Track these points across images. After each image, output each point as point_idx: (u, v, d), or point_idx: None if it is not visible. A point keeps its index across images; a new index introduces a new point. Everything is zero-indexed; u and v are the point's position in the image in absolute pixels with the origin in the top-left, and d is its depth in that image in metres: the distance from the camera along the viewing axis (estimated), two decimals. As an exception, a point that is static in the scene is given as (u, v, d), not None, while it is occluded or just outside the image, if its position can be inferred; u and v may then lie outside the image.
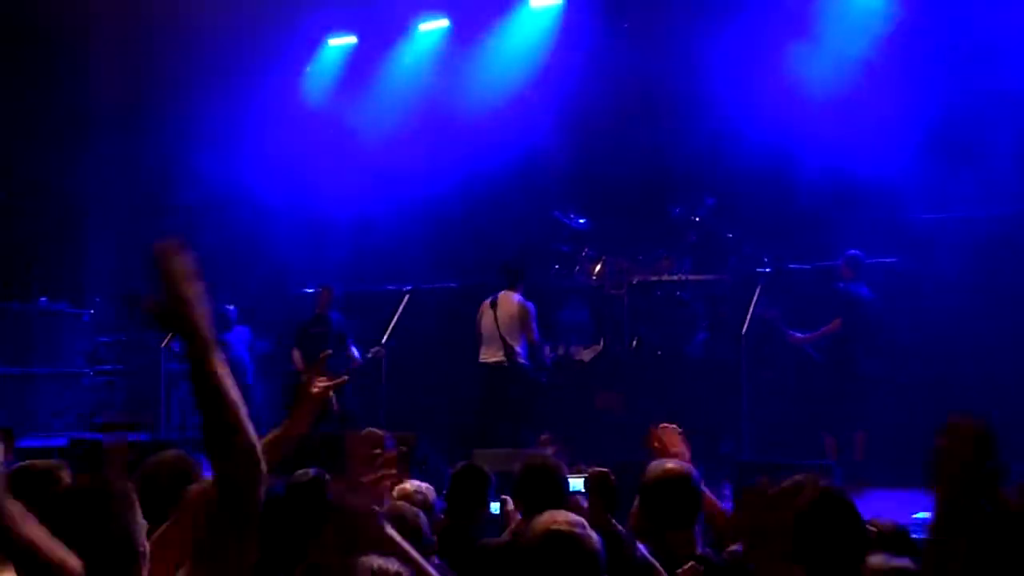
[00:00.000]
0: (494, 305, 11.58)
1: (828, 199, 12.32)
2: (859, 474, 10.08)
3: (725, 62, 12.98)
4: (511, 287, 11.62)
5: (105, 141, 16.83)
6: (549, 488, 5.03)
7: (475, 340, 11.80)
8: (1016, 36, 11.65)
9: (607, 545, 3.44)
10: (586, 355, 12.88)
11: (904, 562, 3.30)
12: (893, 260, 11.58)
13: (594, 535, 3.32)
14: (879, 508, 7.76)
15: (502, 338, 11.43)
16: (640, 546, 4.36)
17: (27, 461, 5.01)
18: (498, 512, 5.86)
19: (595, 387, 12.96)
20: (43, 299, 15.62)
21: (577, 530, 3.29)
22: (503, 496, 5.82)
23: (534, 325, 11.57)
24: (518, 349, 11.48)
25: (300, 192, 16.01)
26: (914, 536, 5.48)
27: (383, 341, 12.03)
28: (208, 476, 3.05)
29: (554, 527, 3.30)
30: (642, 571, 4.31)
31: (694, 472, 4.76)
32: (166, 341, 13.88)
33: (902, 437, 10.97)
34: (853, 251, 11.15)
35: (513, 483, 5.14)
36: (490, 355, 11.56)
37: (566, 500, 4.91)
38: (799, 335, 11.24)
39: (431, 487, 5.60)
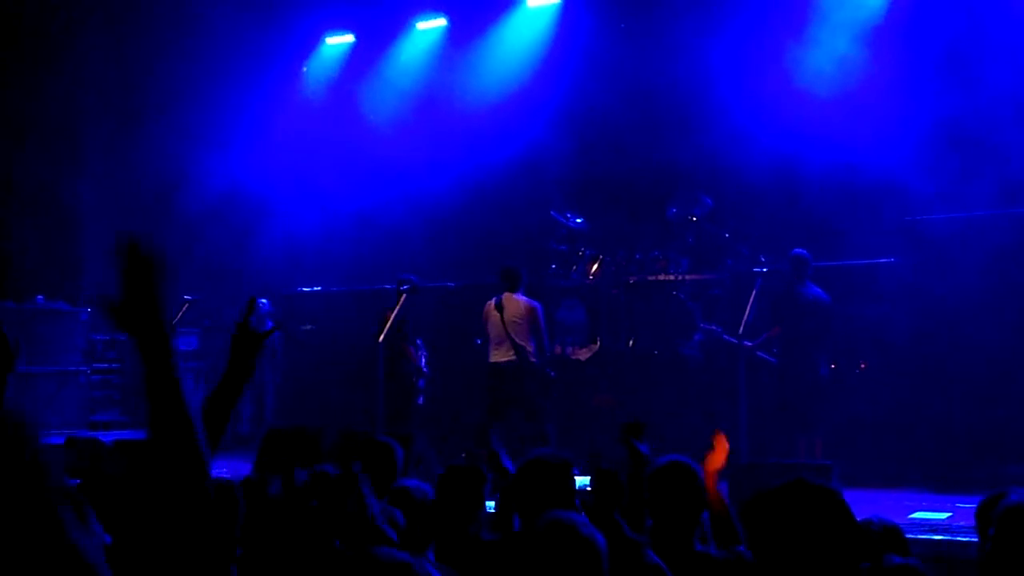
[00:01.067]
0: (499, 308, 11.57)
1: (826, 199, 12.34)
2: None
3: (722, 61, 13.00)
4: (512, 291, 11.63)
5: (101, 139, 16.85)
6: (552, 486, 4.99)
7: (471, 338, 11.81)
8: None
9: (615, 547, 3.44)
10: (583, 354, 12.89)
11: (913, 562, 3.31)
12: (892, 260, 11.58)
13: (597, 534, 3.32)
14: (875, 508, 7.80)
15: (511, 339, 11.45)
16: (649, 550, 4.36)
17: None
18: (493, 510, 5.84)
19: (592, 387, 12.97)
20: (40, 297, 15.63)
21: (580, 529, 3.29)
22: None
23: (543, 324, 11.58)
24: (529, 348, 11.51)
25: (296, 191, 16.03)
26: (908, 536, 5.50)
27: (380, 340, 12.02)
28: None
29: (556, 525, 3.29)
30: (651, 573, 4.32)
31: (699, 470, 4.77)
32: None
33: (897, 437, 11.02)
34: (798, 250, 11.12)
35: (514, 481, 5.10)
36: (500, 355, 11.58)
37: (571, 498, 4.88)
38: (747, 343, 11.15)
39: (427, 487, 5.60)
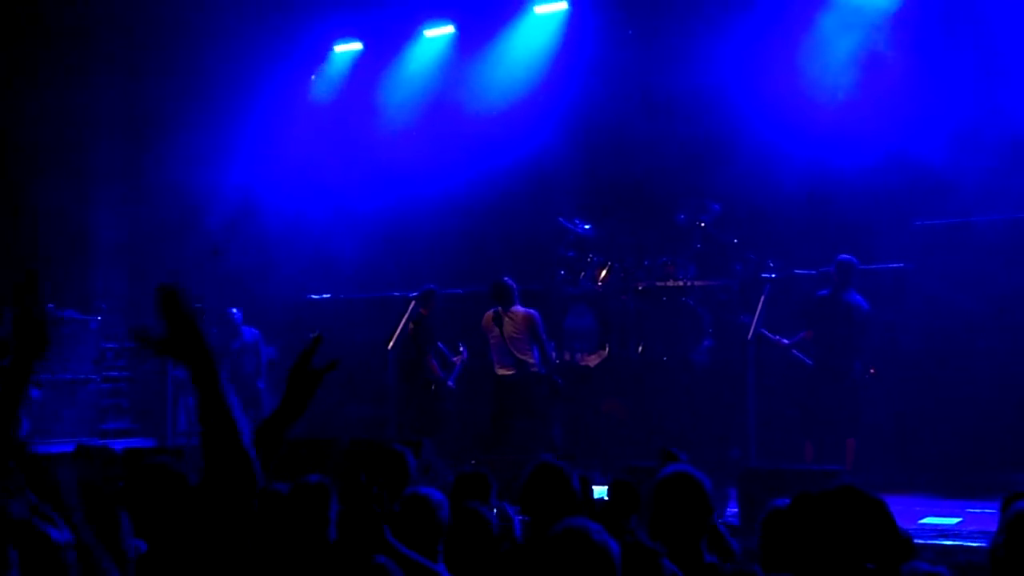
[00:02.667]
0: (498, 321, 11.58)
1: (836, 204, 12.32)
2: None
3: (731, 67, 12.99)
4: (506, 307, 11.62)
5: (112, 149, 16.90)
6: (557, 492, 5.00)
7: (479, 345, 11.81)
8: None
9: (632, 556, 3.42)
10: (591, 361, 12.88)
11: (940, 570, 3.29)
12: (901, 265, 11.56)
13: (611, 541, 3.31)
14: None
15: (512, 353, 11.46)
16: (666, 560, 4.35)
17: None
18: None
19: (600, 393, 12.96)
20: (50, 306, 15.65)
21: (593, 536, 3.28)
22: (500, 502, 5.81)
23: (542, 331, 11.58)
24: (531, 360, 11.50)
25: (305, 199, 16.05)
26: (918, 541, 5.49)
27: (389, 347, 12.04)
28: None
29: (569, 533, 3.29)
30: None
31: (706, 481, 4.75)
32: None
33: (907, 442, 11.00)
34: (845, 256, 11.10)
35: (520, 488, 5.11)
36: (504, 369, 11.60)
37: (575, 504, 4.89)
38: (785, 341, 11.23)
39: (441, 494, 5.59)
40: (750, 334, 10.58)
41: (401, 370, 12.16)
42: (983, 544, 4.00)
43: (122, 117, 16.98)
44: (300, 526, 4.22)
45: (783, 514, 4.21)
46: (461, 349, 12.62)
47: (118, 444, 12.09)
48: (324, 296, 15.58)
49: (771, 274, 12.04)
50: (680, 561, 4.46)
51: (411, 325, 12.21)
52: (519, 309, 11.60)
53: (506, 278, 11.74)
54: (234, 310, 14.86)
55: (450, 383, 12.44)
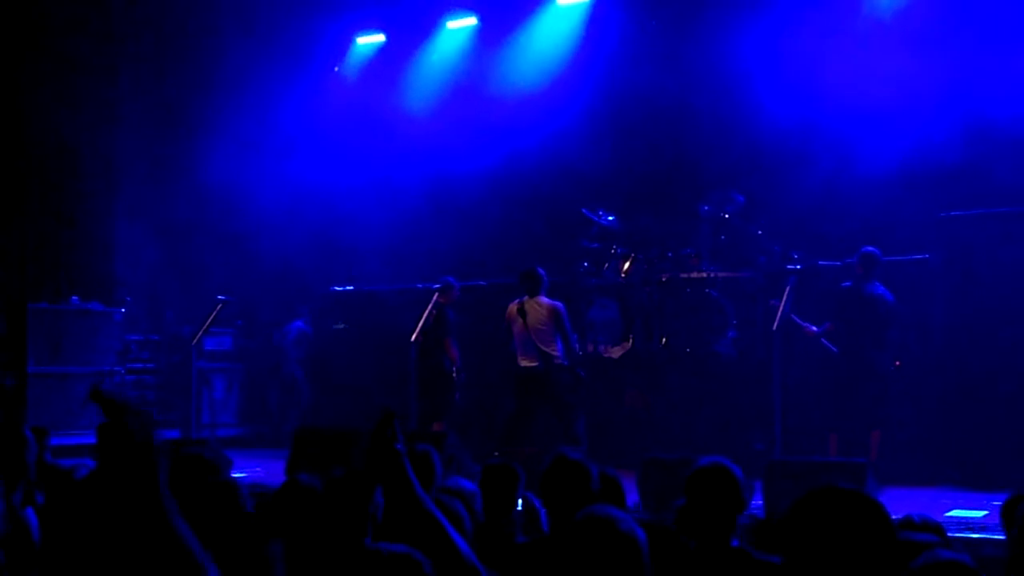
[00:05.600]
0: (522, 312, 11.55)
1: (860, 195, 12.26)
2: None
3: (757, 57, 12.94)
4: (533, 294, 11.60)
5: (136, 140, 16.97)
6: (577, 484, 5.00)
7: (504, 339, 11.79)
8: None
9: (659, 541, 3.40)
10: (615, 352, 12.86)
11: (964, 558, 3.26)
12: (926, 257, 11.49)
13: (637, 528, 3.30)
14: (911, 506, 7.74)
15: (536, 346, 11.44)
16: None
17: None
18: (520, 509, 5.85)
19: (624, 385, 12.95)
20: (75, 298, 15.74)
21: (619, 524, 3.26)
22: (525, 494, 5.81)
23: (567, 324, 11.55)
24: (555, 352, 11.48)
25: (327, 192, 16.07)
26: (949, 535, 5.45)
27: (412, 339, 12.05)
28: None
29: (593, 520, 3.27)
30: (693, 565, 4.31)
31: (739, 471, 4.75)
32: (196, 338, 13.97)
33: (933, 435, 10.95)
34: (868, 248, 11.04)
35: (540, 480, 5.11)
36: (527, 360, 11.56)
37: (593, 496, 4.89)
38: (814, 329, 11.21)
39: (474, 487, 5.60)
40: (775, 324, 10.54)
41: (419, 358, 12.19)
42: (1008, 537, 3.98)
43: (148, 113, 17.04)
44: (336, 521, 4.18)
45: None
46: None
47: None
48: (347, 288, 15.60)
49: (796, 265, 12.00)
50: (711, 551, 4.47)
51: (433, 315, 12.25)
52: (544, 300, 11.58)
53: (538, 267, 11.74)
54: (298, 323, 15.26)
55: (462, 374, 12.47)
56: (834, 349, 11.18)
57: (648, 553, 3.27)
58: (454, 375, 12.42)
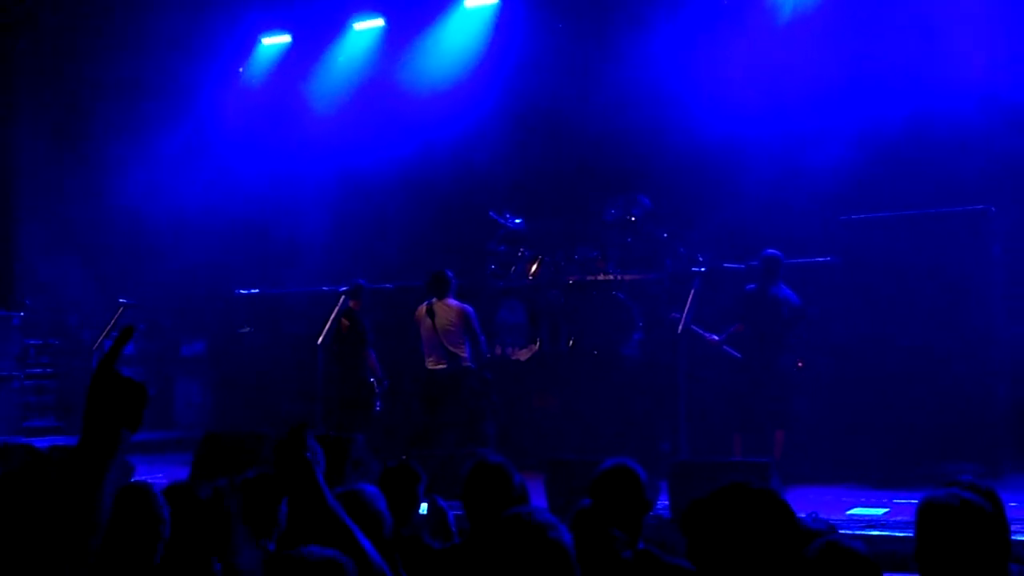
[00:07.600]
0: (431, 314, 11.53)
1: (763, 198, 12.41)
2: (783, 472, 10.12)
3: (663, 61, 13.05)
4: (441, 297, 11.58)
5: (37, 143, 16.65)
6: (497, 488, 4.98)
7: (410, 341, 11.74)
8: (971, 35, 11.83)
9: (595, 545, 3.39)
10: (523, 355, 12.88)
11: (857, 545, 3.30)
12: (828, 259, 11.65)
13: (565, 534, 3.27)
14: (814, 504, 7.85)
15: (444, 347, 11.41)
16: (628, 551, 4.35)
17: None
18: (425, 512, 5.81)
19: (532, 387, 12.96)
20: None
21: (548, 531, 3.23)
22: (431, 495, 5.78)
23: (476, 327, 11.55)
24: (463, 354, 11.46)
25: (232, 194, 15.89)
26: (846, 531, 5.53)
27: (319, 342, 11.93)
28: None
29: (513, 520, 3.23)
30: (631, 570, 4.31)
31: (644, 473, 4.77)
32: (97, 343, 13.72)
33: (835, 434, 11.10)
34: (770, 251, 11.17)
35: (462, 485, 5.08)
36: (435, 362, 11.53)
37: (515, 500, 4.87)
38: (715, 337, 11.28)
39: (376, 490, 5.55)
40: (680, 328, 10.62)
41: (336, 366, 12.05)
42: (909, 534, 4.03)
43: (48, 115, 16.72)
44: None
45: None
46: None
47: (43, 442, 11.89)
48: (252, 291, 15.43)
49: (701, 268, 12.09)
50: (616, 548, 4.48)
51: (343, 321, 12.11)
52: (453, 302, 11.56)
53: (447, 270, 11.71)
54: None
55: (385, 382, 12.35)
56: (736, 355, 11.30)
57: (575, 557, 3.25)
58: (376, 388, 12.28)
